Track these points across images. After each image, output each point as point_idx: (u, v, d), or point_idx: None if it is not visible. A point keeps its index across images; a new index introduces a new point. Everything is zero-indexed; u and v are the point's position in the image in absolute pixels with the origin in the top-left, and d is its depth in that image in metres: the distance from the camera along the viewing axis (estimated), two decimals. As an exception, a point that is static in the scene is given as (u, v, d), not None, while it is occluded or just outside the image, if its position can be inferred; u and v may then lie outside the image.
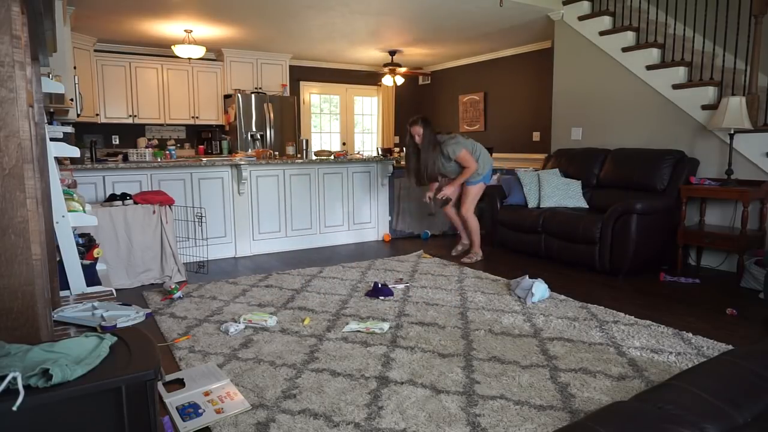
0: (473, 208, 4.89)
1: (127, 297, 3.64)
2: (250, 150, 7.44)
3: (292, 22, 6.31)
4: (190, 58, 7.03)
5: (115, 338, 1.34)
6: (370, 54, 8.40)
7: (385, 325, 3.04)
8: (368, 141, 10.08)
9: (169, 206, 4.19)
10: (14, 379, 1.05)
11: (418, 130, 4.73)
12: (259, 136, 7.84)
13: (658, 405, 0.92)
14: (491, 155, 7.68)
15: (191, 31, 6.70)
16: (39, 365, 1.12)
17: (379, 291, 3.71)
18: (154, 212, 4.08)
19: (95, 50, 7.09)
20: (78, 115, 5.31)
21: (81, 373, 1.15)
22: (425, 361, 2.61)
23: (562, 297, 3.65)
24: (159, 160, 5.43)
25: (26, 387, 1.06)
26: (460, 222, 5.07)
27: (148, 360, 1.25)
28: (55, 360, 1.15)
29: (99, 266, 3.56)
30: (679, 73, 4.82)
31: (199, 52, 6.76)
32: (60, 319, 2.72)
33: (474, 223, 4.91)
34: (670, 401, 0.93)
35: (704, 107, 4.58)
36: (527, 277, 3.74)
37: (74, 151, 3.19)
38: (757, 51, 4.22)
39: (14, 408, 1.02)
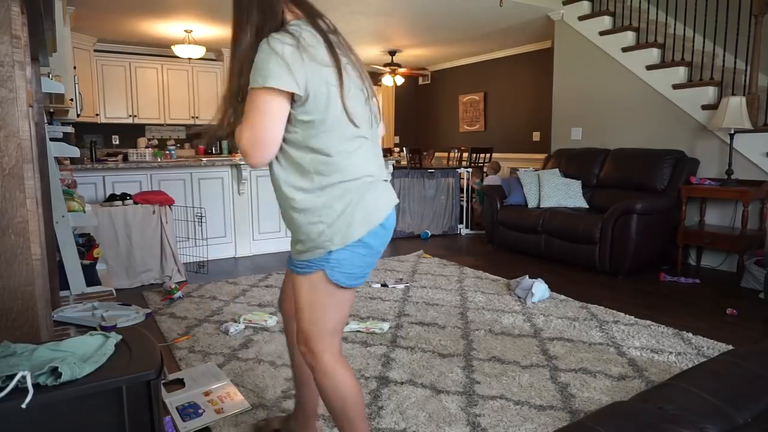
0: (327, 344, 1.49)
1: (127, 297, 3.64)
2: (250, 150, 7.42)
3: (292, 22, 6.30)
4: (190, 58, 7.04)
5: (120, 337, 1.34)
6: (370, 54, 8.40)
7: (385, 325, 3.04)
8: (368, 141, 10.07)
9: (169, 206, 4.19)
10: (23, 377, 1.06)
11: None
12: (259, 136, 7.82)
13: (658, 405, 0.92)
14: (489, 160, 7.73)
15: (191, 31, 6.70)
16: (46, 364, 1.13)
17: None
18: (154, 212, 4.08)
19: (95, 50, 7.09)
20: (78, 115, 5.32)
21: (89, 371, 1.16)
22: (425, 361, 2.61)
23: (562, 297, 3.65)
24: (159, 160, 5.44)
25: (34, 386, 1.07)
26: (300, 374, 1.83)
27: (149, 360, 1.25)
28: (62, 358, 1.15)
29: (99, 266, 3.56)
30: (679, 73, 4.82)
31: (199, 52, 6.76)
32: (60, 319, 2.72)
33: (338, 383, 1.50)
34: (670, 401, 0.93)
35: (704, 107, 4.58)
36: (527, 277, 3.74)
37: (74, 151, 3.20)
38: (757, 51, 4.22)
39: (23, 406, 1.03)
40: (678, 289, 3.93)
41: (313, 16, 1.40)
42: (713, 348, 2.76)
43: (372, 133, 1.48)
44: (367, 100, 1.46)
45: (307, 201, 1.38)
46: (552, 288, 3.77)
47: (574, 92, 5.83)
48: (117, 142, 7.67)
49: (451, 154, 8.20)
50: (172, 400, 2.18)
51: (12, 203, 1.45)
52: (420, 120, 10.23)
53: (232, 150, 7.85)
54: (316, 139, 1.35)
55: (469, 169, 6.51)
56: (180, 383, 2.34)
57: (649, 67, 5.03)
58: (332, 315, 1.48)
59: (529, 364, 2.57)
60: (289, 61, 1.27)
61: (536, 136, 7.73)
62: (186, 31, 6.69)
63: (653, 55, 5.05)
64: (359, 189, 1.39)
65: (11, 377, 1.06)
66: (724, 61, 4.55)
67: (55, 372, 1.11)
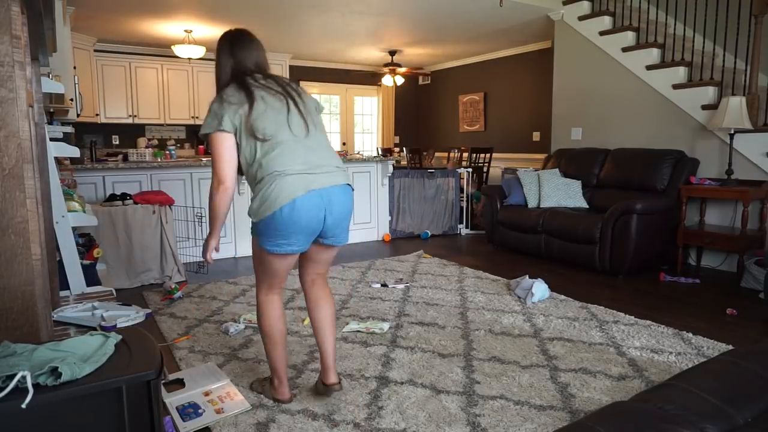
0: (261, 288, 2.15)
1: (127, 297, 3.64)
2: (250, 150, 7.43)
3: (292, 22, 6.31)
4: (190, 58, 7.03)
5: (120, 337, 1.34)
6: (370, 54, 8.39)
7: (385, 325, 3.04)
8: (368, 141, 10.07)
9: (169, 206, 4.19)
10: (23, 377, 1.06)
11: None
12: (259, 136, 7.83)
13: (658, 405, 0.92)
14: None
15: (191, 31, 6.70)
16: (46, 364, 1.13)
17: None
18: (154, 212, 4.08)
19: (95, 50, 7.09)
20: (78, 115, 5.32)
21: (89, 371, 1.16)
22: (425, 361, 2.61)
23: (562, 297, 3.65)
24: (159, 160, 5.43)
25: (34, 386, 1.07)
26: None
27: (149, 360, 1.25)
28: (62, 358, 1.15)
29: (99, 266, 3.56)
30: (679, 73, 4.82)
31: (199, 52, 6.76)
32: (60, 319, 2.72)
33: (262, 324, 2.16)
34: (670, 401, 0.93)
35: (704, 107, 4.58)
36: (527, 277, 3.74)
37: (74, 151, 3.20)
38: (757, 51, 4.22)
39: (23, 406, 1.03)
40: (678, 289, 3.93)
41: (241, 78, 2.05)
42: (713, 348, 2.76)
43: (300, 139, 2.00)
44: (288, 116, 2.00)
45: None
46: (552, 288, 3.77)
47: (574, 92, 5.83)
48: (117, 142, 7.66)
49: (451, 154, 8.20)
50: (172, 400, 2.18)
51: (12, 203, 1.45)
52: (420, 120, 10.23)
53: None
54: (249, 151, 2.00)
55: (469, 169, 6.51)
56: (180, 383, 2.34)
57: (649, 67, 5.03)
58: (260, 271, 2.11)
59: (529, 364, 2.57)
60: (216, 112, 2.00)
61: (536, 136, 7.73)
62: (186, 31, 6.68)
63: (653, 55, 5.05)
64: (269, 181, 1.92)
65: (11, 377, 1.07)
66: (724, 61, 4.55)
67: (55, 372, 1.11)
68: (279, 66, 8.28)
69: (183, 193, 4.71)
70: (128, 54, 7.43)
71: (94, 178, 4.37)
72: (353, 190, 2.11)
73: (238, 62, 2.11)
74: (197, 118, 7.90)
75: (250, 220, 2.03)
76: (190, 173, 4.77)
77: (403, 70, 8.46)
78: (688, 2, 4.93)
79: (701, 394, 0.95)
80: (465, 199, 6.38)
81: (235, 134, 1.99)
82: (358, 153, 8.84)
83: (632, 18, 5.34)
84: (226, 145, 2.00)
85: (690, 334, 2.94)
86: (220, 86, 2.11)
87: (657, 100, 4.98)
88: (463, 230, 6.35)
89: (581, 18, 5.65)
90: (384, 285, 3.96)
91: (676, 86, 4.81)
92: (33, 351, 1.20)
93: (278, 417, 2.08)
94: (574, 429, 0.85)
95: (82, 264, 3.21)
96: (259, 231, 1.98)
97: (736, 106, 4.08)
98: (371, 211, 5.90)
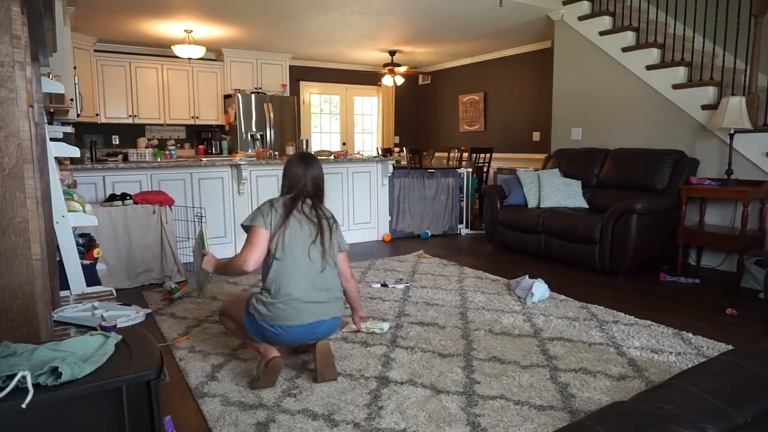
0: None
1: (127, 297, 3.64)
2: (250, 150, 7.44)
3: (292, 22, 6.31)
4: (190, 58, 7.03)
5: (120, 337, 1.34)
6: (370, 54, 8.39)
7: (385, 325, 3.04)
8: (368, 141, 10.07)
9: (169, 206, 4.19)
10: (23, 377, 1.06)
11: None
12: (259, 136, 7.84)
13: (658, 405, 0.92)
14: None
15: (191, 31, 6.70)
16: (46, 364, 1.13)
17: None
18: (154, 212, 4.07)
19: (95, 50, 7.09)
20: (78, 115, 5.31)
21: (89, 371, 1.16)
22: (425, 361, 2.61)
23: (562, 297, 3.65)
24: (159, 160, 5.43)
25: (34, 386, 1.07)
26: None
27: (149, 360, 1.25)
28: (63, 358, 1.15)
29: (99, 266, 3.56)
30: (679, 73, 4.82)
31: (199, 52, 6.76)
32: (60, 319, 2.72)
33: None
34: (670, 401, 0.93)
35: (704, 107, 4.58)
36: (527, 277, 3.74)
37: (74, 151, 3.20)
38: (757, 51, 4.22)
39: (23, 406, 1.03)
40: (678, 289, 3.93)
41: (294, 200, 2.43)
42: (713, 348, 2.76)
43: (313, 267, 2.36)
44: (312, 245, 2.37)
45: None
46: (552, 288, 3.77)
47: (574, 92, 5.83)
48: (117, 142, 7.66)
49: (451, 154, 8.20)
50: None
51: (12, 203, 1.45)
52: (420, 120, 10.23)
53: (232, 150, 7.86)
54: None
55: (469, 170, 6.51)
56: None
57: (649, 67, 5.03)
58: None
59: (529, 364, 2.57)
60: (263, 212, 2.37)
61: (536, 136, 7.73)
62: (186, 31, 6.68)
63: (653, 55, 5.05)
64: (276, 298, 2.31)
65: (11, 377, 1.07)
66: (724, 61, 4.55)
67: (55, 372, 1.11)
68: (279, 66, 8.28)
69: (183, 193, 4.71)
70: (128, 54, 7.43)
71: (94, 178, 4.37)
72: (341, 316, 2.47)
73: (298, 180, 2.53)
74: (197, 118, 7.91)
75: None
76: (190, 173, 4.77)
77: (403, 70, 8.46)
78: (688, 2, 4.93)
79: (701, 394, 0.95)
80: (465, 198, 6.38)
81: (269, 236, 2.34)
82: (358, 153, 8.82)
83: (632, 18, 5.34)
84: (261, 239, 2.33)
85: (690, 334, 2.94)
86: (283, 191, 2.54)
87: (657, 100, 4.98)
88: (463, 230, 6.35)
89: (581, 18, 5.66)
90: (384, 285, 3.96)
91: (676, 86, 4.81)
92: (33, 351, 1.20)
93: (278, 417, 2.08)
94: (574, 429, 0.85)
95: (82, 264, 3.21)
96: (248, 313, 2.36)
97: (736, 106, 4.08)
98: (371, 211, 5.90)
